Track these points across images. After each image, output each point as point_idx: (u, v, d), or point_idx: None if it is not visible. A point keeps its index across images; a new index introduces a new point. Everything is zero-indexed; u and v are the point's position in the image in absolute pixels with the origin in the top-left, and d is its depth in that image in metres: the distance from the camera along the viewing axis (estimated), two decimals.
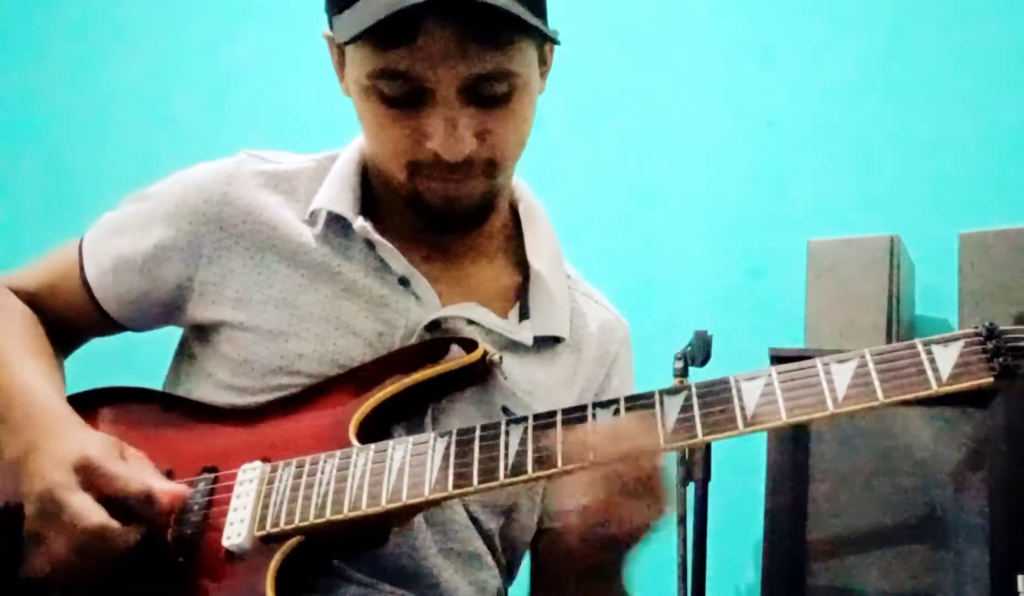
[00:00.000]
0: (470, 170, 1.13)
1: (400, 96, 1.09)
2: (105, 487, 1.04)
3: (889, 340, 2.23)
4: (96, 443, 1.08)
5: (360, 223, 1.19)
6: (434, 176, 1.13)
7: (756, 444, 2.18)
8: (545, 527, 1.26)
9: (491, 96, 1.10)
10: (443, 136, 1.09)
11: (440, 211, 1.16)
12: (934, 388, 0.95)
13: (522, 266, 1.27)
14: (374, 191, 1.25)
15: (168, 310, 1.25)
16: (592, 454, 0.98)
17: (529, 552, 1.29)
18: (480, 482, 1.01)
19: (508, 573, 1.27)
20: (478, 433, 1.04)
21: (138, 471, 1.07)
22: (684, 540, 2.15)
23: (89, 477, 1.04)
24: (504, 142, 1.14)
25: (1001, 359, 0.93)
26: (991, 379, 0.94)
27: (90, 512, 1.02)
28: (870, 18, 2.72)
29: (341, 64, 1.19)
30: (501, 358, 1.16)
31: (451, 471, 1.02)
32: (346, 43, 1.08)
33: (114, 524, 1.02)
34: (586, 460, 0.99)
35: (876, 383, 0.96)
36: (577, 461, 1.00)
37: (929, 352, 0.96)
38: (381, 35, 1.05)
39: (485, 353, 1.15)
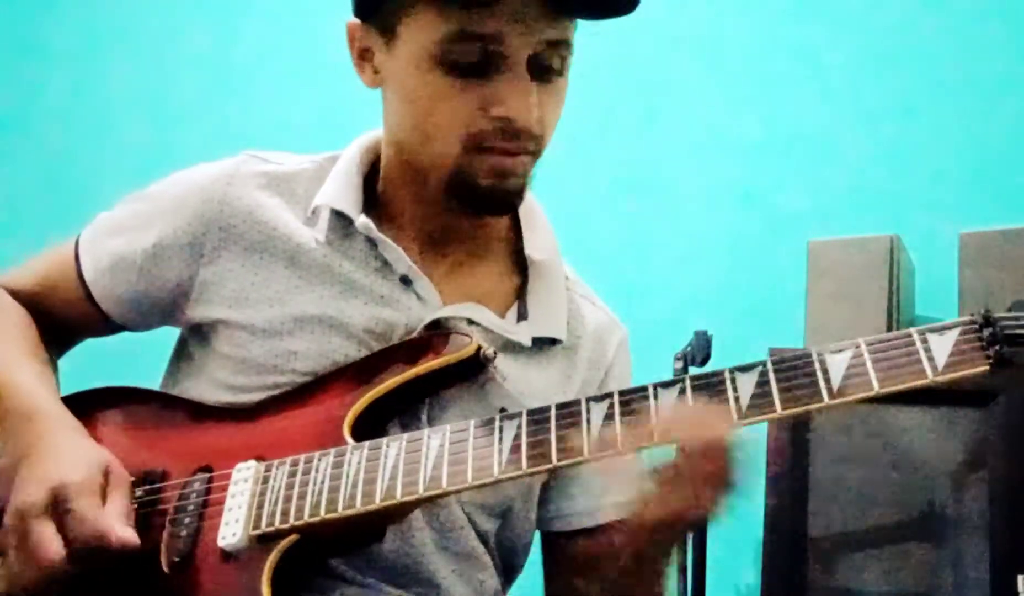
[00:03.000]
0: (525, 143, 1.13)
1: (471, 62, 1.09)
2: (67, 521, 1.03)
3: None
4: (81, 469, 1.07)
5: (363, 220, 1.19)
6: (494, 147, 1.12)
7: (756, 444, 2.18)
8: (555, 530, 1.26)
9: (549, 68, 1.12)
10: (516, 99, 1.10)
11: (489, 189, 1.14)
12: (930, 377, 0.93)
13: (521, 267, 1.27)
14: (378, 190, 1.25)
15: (166, 309, 1.25)
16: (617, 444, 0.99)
17: (543, 561, 1.29)
18: (474, 479, 1.01)
19: (505, 576, 1.26)
20: (472, 430, 1.04)
21: (108, 512, 1.05)
22: (684, 540, 2.14)
23: (57, 506, 1.04)
24: (552, 120, 1.16)
25: (997, 347, 0.92)
26: (987, 367, 0.93)
27: (49, 545, 1.02)
28: (870, 18, 2.72)
29: (364, 54, 1.18)
30: (496, 353, 1.16)
31: (445, 468, 1.02)
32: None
33: (65, 563, 1.02)
34: (582, 454, 0.99)
35: (871, 373, 0.95)
36: (575, 455, 1.00)
37: (925, 341, 0.95)
38: None
39: (479, 348, 1.14)
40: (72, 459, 1.08)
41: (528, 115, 1.10)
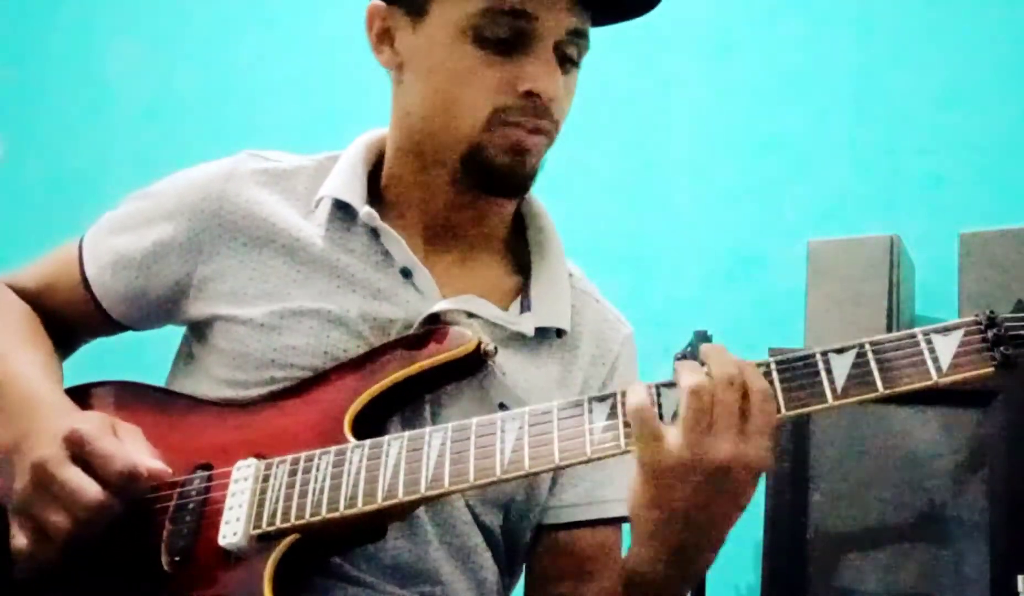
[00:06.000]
0: (546, 123, 1.16)
1: (502, 38, 1.13)
2: (91, 462, 1.05)
3: None
4: (87, 420, 1.09)
5: (367, 210, 1.20)
6: (518, 121, 1.15)
7: None
8: (547, 523, 1.25)
9: (569, 58, 1.17)
10: (545, 77, 1.13)
11: (504, 167, 1.17)
12: (934, 378, 0.93)
13: (524, 261, 1.28)
14: (383, 184, 1.26)
15: (166, 307, 1.25)
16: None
17: (527, 554, 1.27)
18: (476, 478, 1.01)
19: (509, 570, 1.26)
20: (474, 428, 1.04)
21: (127, 448, 1.07)
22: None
23: (78, 450, 1.05)
24: (565, 108, 1.19)
25: (1002, 348, 0.92)
26: (991, 369, 0.92)
27: (85, 486, 1.03)
28: (870, 19, 2.72)
29: (382, 36, 1.20)
30: (496, 348, 1.16)
31: (447, 467, 1.02)
32: None
33: (108, 497, 1.04)
34: (584, 454, 0.99)
35: (876, 374, 0.95)
36: (579, 457, 0.99)
37: (929, 342, 0.95)
38: None
39: (479, 343, 1.14)
40: (76, 415, 1.11)
41: (555, 91, 1.14)
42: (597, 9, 1.17)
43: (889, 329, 2.24)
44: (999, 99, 2.56)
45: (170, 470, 1.10)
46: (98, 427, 1.08)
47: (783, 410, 0.97)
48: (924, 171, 2.59)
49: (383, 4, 1.20)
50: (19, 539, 1.06)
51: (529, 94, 1.13)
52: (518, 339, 1.21)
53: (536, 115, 1.15)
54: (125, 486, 1.05)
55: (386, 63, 1.22)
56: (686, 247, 2.75)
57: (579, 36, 1.16)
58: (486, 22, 1.12)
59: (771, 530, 2.13)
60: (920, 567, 2.04)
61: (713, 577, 2.22)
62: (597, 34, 1.19)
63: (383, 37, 1.21)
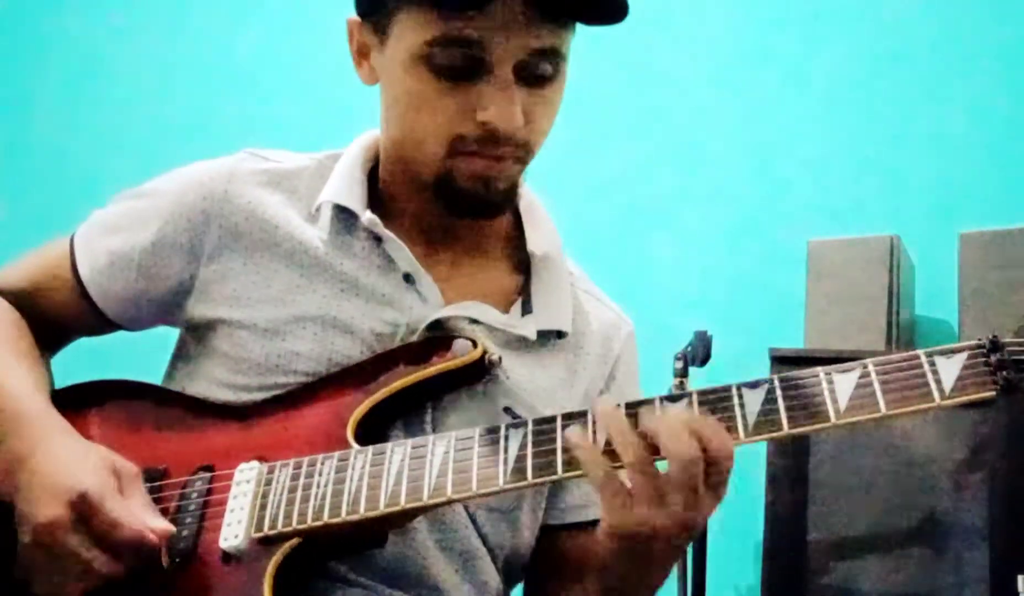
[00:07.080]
0: (510, 149, 1.13)
1: (456, 66, 1.09)
2: (99, 529, 1.03)
3: (889, 340, 2.23)
4: (91, 475, 1.05)
5: (368, 216, 1.19)
6: (477, 152, 1.12)
7: (756, 444, 2.18)
8: (549, 524, 1.25)
9: (539, 76, 1.11)
10: (500, 106, 1.09)
11: (472, 194, 1.14)
12: (937, 401, 0.94)
13: (524, 263, 1.27)
14: (381, 187, 1.25)
15: (165, 308, 1.24)
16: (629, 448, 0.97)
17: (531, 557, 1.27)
18: (479, 488, 1.01)
19: (508, 577, 1.25)
20: (477, 437, 1.04)
21: (134, 509, 1.05)
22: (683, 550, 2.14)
23: (85, 516, 1.03)
24: (541, 127, 1.15)
25: (1004, 373, 0.93)
26: (993, 393, 0.93)
27: (94, 559, 1.02)
28: (870, 17, 2.72)
29: (362, 50, 1.18)
30: (500, 358, 1.16)
31: (450, 475, 1.02)
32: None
33: (118, 569, 1.02)
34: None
35: (879, 395, 0.95)
36: (582, 468, 0.99)
37: (932, 364, 0.95)
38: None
39: (484, 352, 1.14)
40: (78, 465, 1.07)
41: (511, 122, 1.10)
42: (556, 22, 1.10)
43: (889, 329, 2.24)
44: (1000, 99, 2.56)
45: (173, 528, 1.06)
46: (102, 484, 1.05)
47: (785, 429, 0.97)
48: (924, 171, 2.59)
49: (359, 20, 1.18)
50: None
51: (486, 123, 1.10)
52: (521, 342, 1.21)
53: (495, 145, 1.11)
54: (134, 553, 1.03)
55: (366, 79, 1.19)
56: (686, 247, 2.76)
57: (546, 53, 1.10)
58: (436, 51, 1.09)
59: (771, 530, 2.14)
60: (920, 567, 2.04)
61: (713, 577, 2.23)
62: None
63: (362, 52, 1.19)
